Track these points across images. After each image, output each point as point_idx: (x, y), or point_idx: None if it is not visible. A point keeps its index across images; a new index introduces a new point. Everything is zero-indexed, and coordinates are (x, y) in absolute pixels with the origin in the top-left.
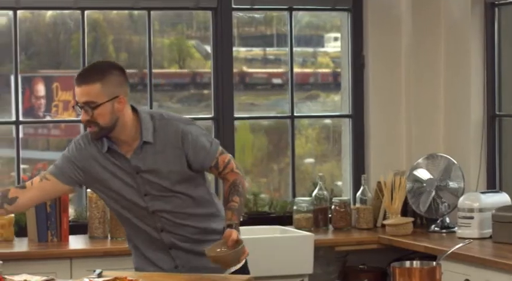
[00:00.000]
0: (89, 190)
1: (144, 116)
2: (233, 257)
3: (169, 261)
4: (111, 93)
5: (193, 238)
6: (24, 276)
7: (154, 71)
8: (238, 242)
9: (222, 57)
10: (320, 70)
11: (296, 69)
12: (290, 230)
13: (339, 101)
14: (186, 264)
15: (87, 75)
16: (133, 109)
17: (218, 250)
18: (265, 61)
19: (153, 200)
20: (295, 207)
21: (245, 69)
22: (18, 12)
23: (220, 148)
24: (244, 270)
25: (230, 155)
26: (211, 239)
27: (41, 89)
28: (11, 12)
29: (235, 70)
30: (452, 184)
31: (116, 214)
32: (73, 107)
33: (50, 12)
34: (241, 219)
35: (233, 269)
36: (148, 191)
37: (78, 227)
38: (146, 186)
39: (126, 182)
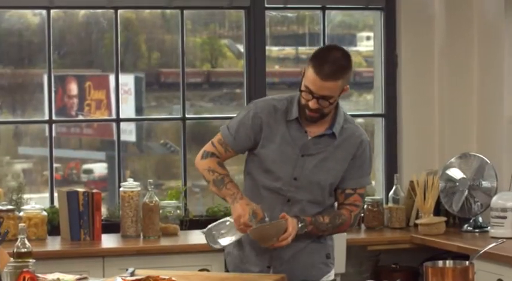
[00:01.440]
0: (122, 189)
1: (341, 111)
2: (273, 231)
3: (265, 258)
4: (343, 86)
5: (302, 240)
6: (57, 275)
7: (187, 70)
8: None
9: (255, 56)
10: (353, 69)
11: None
12: None
13: (372, 100)
14: (278, 267)
15: (333, 73)
16: None
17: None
18: (297, 60)
19: (297, 188)
20: None
21: (278, 68)
22: (52, 11)
23: (364, 189)
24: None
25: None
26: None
27: (73, 88)
28: (44, 12)
29: (267, 69)
30: (485, 183)
31: (253, 185)
32: (301, 90)
33: (83, 12)
34: (310, 232)
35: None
36: (299, 177)
37: (110, 226)
38: (301, 171)
39: (287, 158)
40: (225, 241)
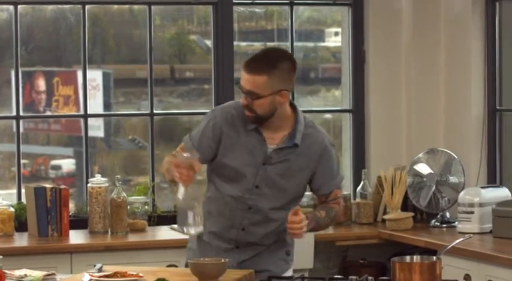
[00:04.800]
0: (89, 185)
1: (301, 117)
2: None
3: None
4: (275, 88)
5: (264, 241)
6: (25, 271)
7: (155, 65)
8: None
9: (223, 52)
10: (320, 65)
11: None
12: None
13: (340, 96)
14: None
15: (257, 66)
16: (291, 104)
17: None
18: None
19: (259, 196)
20: None
21: None
22: (19, 7)
23: (340, 188)
24: None
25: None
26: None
27: (41, 84)
28: (11, 7)
29: (235, 65)
30: (452, 179)
31: (214, 194)
32: (237, 83)
33: (50, 7)
34: (310, 229)
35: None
36: (261, 185)
37: (78, 222)
38: (263, 180)
39: (247, 168)
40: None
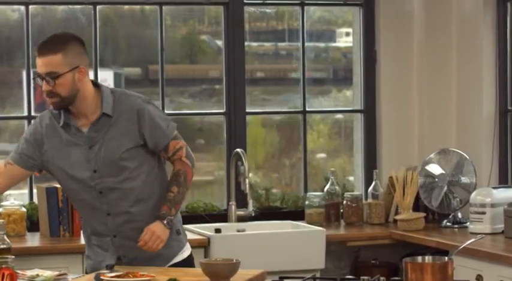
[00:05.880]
0: None
1: (105, 89)
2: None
3: (112, 251)
4: (72, 64)
5: (139, 225)
6: (36, 271)
7: (166, 66)
8: (157, 237)
9: (234, 52)
10: (331, 65)
11: (308, 64)
12: (302, 225)
13: (351, 96)
14: (128, 254)
15: (49, 46)
16: (95, 84)
17: None
18: (276, 56)
19: (101, 178)
20: (307, 202)
21: (257, 64)
22: (30, 7)
23: (176, 132)
24: (189, 263)
25: (185, 143)
26: None
27: None
28: (23, 7)
29: (246, 65)
30: (464, 179)
31: (70, 199)
32: (33, 78)
33: (61, 7)
34: (178, 211)
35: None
36: (99, 166)
37: None
38: (97, 161)
39: (78, 158)
40: None
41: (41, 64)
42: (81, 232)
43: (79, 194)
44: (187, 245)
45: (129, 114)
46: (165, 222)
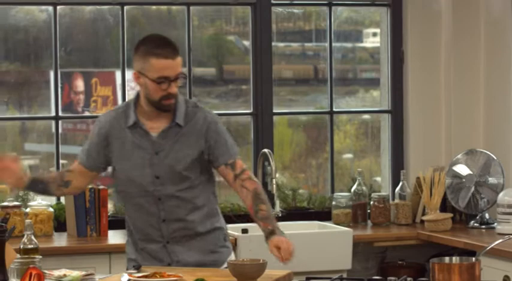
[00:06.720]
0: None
1: (180, 97)
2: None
3: (163, 256)
4: None
5: (190, 232)
6: (64, 271)
7: (193, 66)
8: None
9: (261, 52)
10: (359, 66)
11: (335, 65)
12: (329, 226)
13: (378, 97)
14: (180, 260)
15: (173, 48)
16: None
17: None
18: (304, 56)
19: (162, 185)
20: (333, 202)
21: (284, 64)
22: (58, 7)
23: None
24: None
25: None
26: (211, 236)
27: (80, 84)
28: (51, 8)
29: (273, 65)
30: (491, 180)
31: (125, 202)
32: (160, 83)
33: (89, 8)
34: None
35: None
36: (161, 173)
37: (117, 222)
38: (160, 167)
39: (141, 162)
40: None
41: (175, 65)
42: (127, 235)
43: (135, 198)
44: (232, 252)
45: (199, 126)
46: (278, 232)
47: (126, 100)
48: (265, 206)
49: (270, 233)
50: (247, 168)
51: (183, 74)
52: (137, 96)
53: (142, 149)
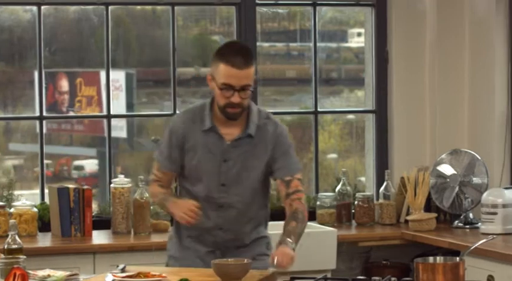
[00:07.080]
0: (112, 185)
1: (254, 108)
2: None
3: (210, 259)
4: (254, 73)
5: (240, 243)
6: (48, 271)
7: (177, 66)
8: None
9: None
10: (343, 65)
11: (320, 65)
12: (313, 226)
13: (363, 97)
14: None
15: (247, 59)
16: None
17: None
18: (288, 56)
19: (226, 193)
20: (318, 202)
21: (269, 64)
22: (43, 7)
23: (300, 175)
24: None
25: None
26: (255, 244)
27: (64, 84)
28: (35, 8)
29: (258, 65)
30: (475, 180)
31: (184, 193)
32: (222, 89)
33: (73, 8)
34: (297, 242)
35: None
36: (227, 182)
37: (101, 223)
38: (227, 176)
39: (209, 168)
40: None
41: (243, 76)
42: (173, 232)
43: (199, 201)
44: None
45: (268, 138)
46: (289, 244)
47: (200, 103)
48: (295, 224)
49: (281, 242)
50: (303, 191)
51: (251, 86)
52: (212, 100)
53: (212, 155)
